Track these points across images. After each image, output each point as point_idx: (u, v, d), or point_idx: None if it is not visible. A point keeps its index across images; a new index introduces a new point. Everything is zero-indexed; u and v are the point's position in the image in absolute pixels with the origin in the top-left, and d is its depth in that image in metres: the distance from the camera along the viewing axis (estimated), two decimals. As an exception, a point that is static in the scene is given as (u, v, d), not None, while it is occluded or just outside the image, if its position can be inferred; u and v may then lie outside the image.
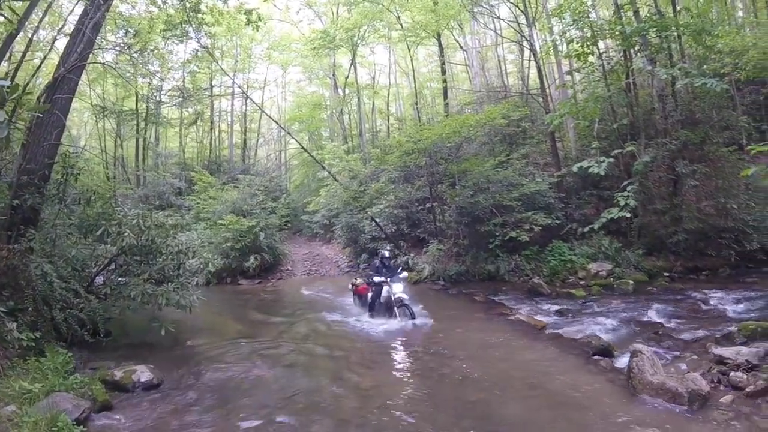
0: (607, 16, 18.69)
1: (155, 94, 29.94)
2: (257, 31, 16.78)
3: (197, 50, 20.78)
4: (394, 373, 7.41)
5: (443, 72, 25.74)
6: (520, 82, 25.16)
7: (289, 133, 28.22)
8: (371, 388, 6.53)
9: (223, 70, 26.89)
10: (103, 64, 16.96)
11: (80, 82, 10.91)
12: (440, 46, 25.56)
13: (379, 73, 35.00)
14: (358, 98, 30.08)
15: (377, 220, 17.94)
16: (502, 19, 21.86)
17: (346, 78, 30.07)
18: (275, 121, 29.72)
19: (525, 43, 19.48)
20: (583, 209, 15.33)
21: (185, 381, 6.87)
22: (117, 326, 8.70)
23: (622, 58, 14.81)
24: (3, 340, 6.23)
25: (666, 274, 12.80)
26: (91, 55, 10.72)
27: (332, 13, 29.82)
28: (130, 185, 26.48)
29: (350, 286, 12.31)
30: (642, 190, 13.12)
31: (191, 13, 13.38)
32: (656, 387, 5.48)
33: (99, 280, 9.05)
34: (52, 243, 8.42)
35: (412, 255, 16.57)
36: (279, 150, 39.77)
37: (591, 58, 14.86)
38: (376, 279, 10.47)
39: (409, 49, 27.21)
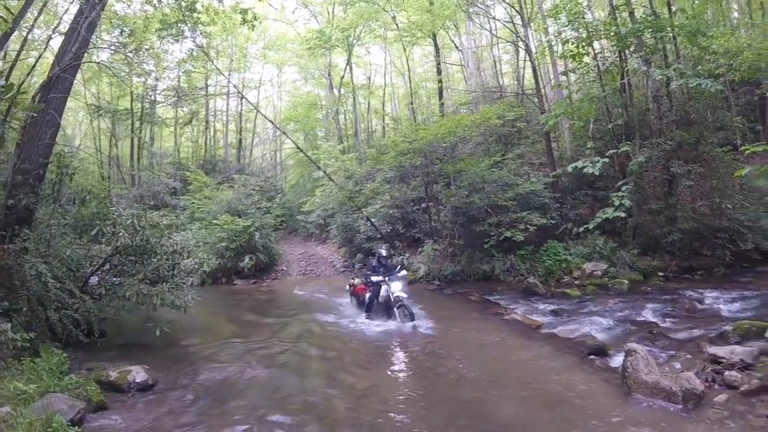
0: (602, 17, 18.69)
1: (150, 93, 29.75)
2: (253, 30, 16.78)
3: (192, 49, 20.77)
4: (389, 373, 7.39)
5: (439, 72, 25.76)
6: (516, 82, 25.18)
7: (284, 133, 28.21)
8: (366, 389, 6.52)
9: (218, 69, 26.88)
10: (98, 63, 16.92)
11: (75, 81, 10.86)
12: (436, 46, 25.56)
13: (375, 73, 34.98)
14: (354, 98, 30.04)
15: (372, 220, 17.93)
16: (498, 20, 21.95)
17: (342, 78, 30.05)
18: (270, 121, 29.69)
19: (520, 44, 19.51)
20: (578, 209, 15.38)
21: (180, 381, 6.84)
22: (112, 326, 8.68)
23: (617, 59, 14.83)
24: (-3, 340, 6.20)
25: (661, 273, 12.81)
26: (86, 55, 10.73)
27: (328, 12, 29.74)
28: (125, 185, 26.44)
29: (347, 286, 12.09)
30: (637, 190, 13.16)
31: (187, 13, 13.35)
32: (651, 386, 5.50)
33: (94, 280, 9.02)
34: (46, 243, 8.38)
35: (407, 255, 16.56)
36: (274, 150, 39.68)
37: (586, 59, 14.88)
38: (374, 278, 10.29)
39: (405, 50, 27.19)
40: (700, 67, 13.75)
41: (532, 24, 20.05)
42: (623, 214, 12.07)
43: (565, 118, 16.04)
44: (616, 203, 11.69)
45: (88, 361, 7.28)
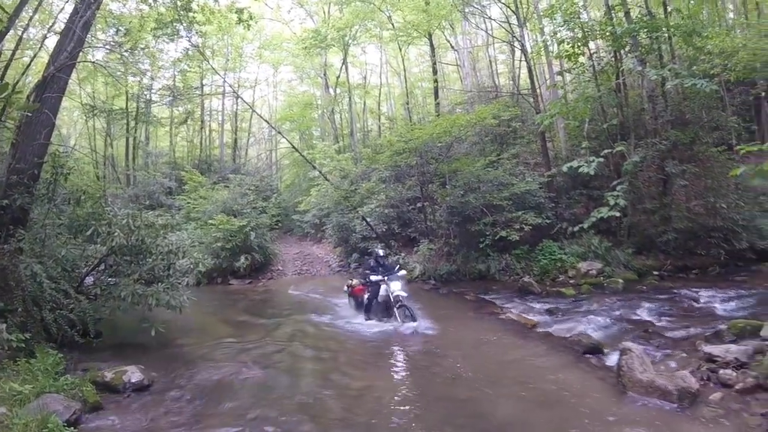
0: (598, 17, 18.75)
1: (145, 93, 29.76)
2: (248, 30, 16.74)
3: (188, 49, 20.70)
4: (385, 372, 7.38)
5: (434, 72, 25.80)
6: (511, 82, 25.21)
7: (279, 133, 28.13)
8: (362, 388, 6.52)
9: (213, 69, 26.85)
10: (94, 62, 16.90)
11: (70, 80, 10.85)
12: (431, 46, 25.62)
13: (371, 73, 35.08)
14: (350, 98, 30.07)
15: (368, 219, 17.93)
16: (494, 20, 21.91)
17: (338, 77, 30.07)
18: (266, 121, 29.69)
19: (516, 44, 19.55)
20: (573, 209, 15.40)
21: (176, 381, 6.82)
22: (107, 327, 8.63)
23: (613, 59, 14.86)
24: (-8, 341, 6.18)
25: (656, 272, 12.86)
26: (81, 54, 10.67)
27: (324, 12, 29.75)
28: (120, 185, 26.31)
29: (345, 287, 11.89)
30: (632, 190, 13.19)
31: (182, 12, 13.34)
32: (646, 385, 5.53)
33: (89, 280, 8.98)
34: (41, 243, 8.34)
35: (403, 254, 16.55)
36: (270, 149, 39.70)
37: (581, 59, 14.95)
38: (373, 278, 10.07)
39: (401, 49, 27.24)
40: (695, 67, 13.84)
41: (527, 24, 20.10)
42: (618, 214, 12.14)
43: (560, 117, 16.10)
44: (611, 203, 11.74)
45: (83, 362, 7.24)
